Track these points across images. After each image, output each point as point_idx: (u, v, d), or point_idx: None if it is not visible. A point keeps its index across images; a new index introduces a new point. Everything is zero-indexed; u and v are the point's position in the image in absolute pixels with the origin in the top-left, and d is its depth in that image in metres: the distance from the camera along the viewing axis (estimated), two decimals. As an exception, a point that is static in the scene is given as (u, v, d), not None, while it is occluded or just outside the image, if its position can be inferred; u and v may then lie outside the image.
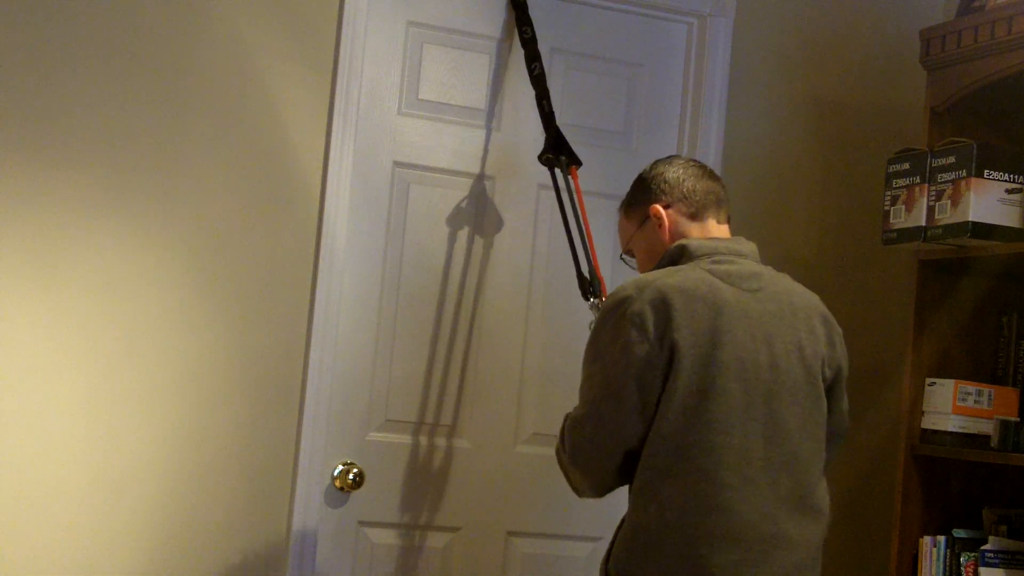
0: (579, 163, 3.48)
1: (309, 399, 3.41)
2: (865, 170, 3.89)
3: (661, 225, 2.80)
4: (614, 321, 2.62)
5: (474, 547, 3.60)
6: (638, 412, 2.59)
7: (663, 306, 2.59)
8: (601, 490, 2.71)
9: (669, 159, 2.91)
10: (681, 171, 2.84)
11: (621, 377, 2.59)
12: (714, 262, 2.71)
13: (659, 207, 2.81)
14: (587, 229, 3.37)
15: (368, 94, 3.53)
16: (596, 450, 2.63)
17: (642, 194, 2.86)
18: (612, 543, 2.65)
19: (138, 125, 3.31)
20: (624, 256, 2.95)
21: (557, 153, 3.46)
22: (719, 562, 2.55)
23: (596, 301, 3.21)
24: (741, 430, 2.59)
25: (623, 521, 2.66)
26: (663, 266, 2.75)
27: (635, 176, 2.92)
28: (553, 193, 3.46)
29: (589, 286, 3.27)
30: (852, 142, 3.95)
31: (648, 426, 2.59)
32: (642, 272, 2.81)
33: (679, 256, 2.75)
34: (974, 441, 3.38)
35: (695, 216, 2.81)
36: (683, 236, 2.79)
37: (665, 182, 2.83)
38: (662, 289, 2.61)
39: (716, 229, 2.81)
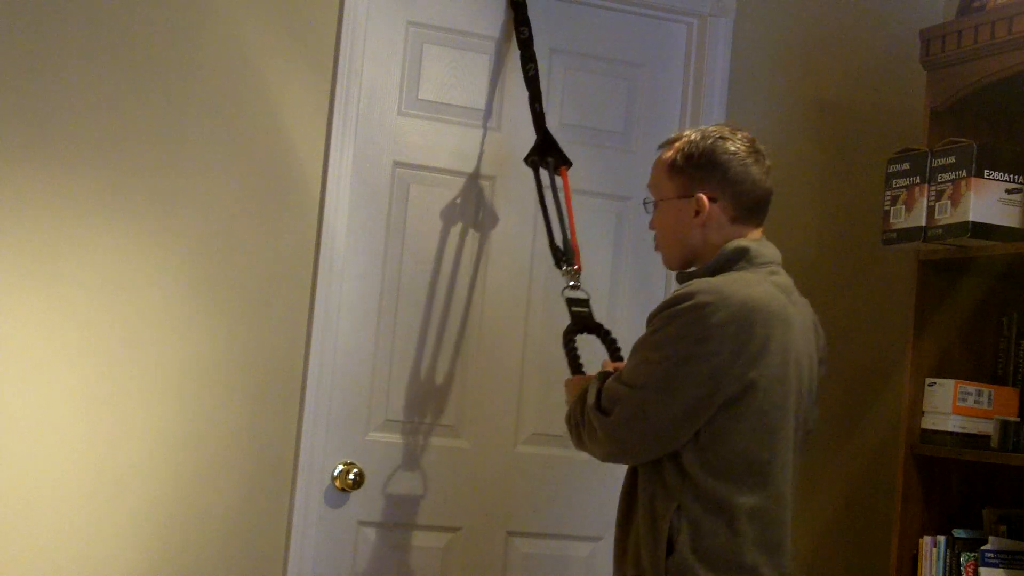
0: (568, 163, 3.47)
1: (309, 399, 3.42)
2: (865, 170, 3.89)
3: (697, 215, 2.68)
4: (690, 321, 2.54)
5: (474, 547, 3.60)
6: (687, 417, 2.56)
7: (750, 324, 2.55)
8: (610, 461, 2.74)
9: (734, 135, 2.71)
10: (744, 168, 2.68)
11: (682, 379, 2.55)
12: (772, 272, 2.68)
13: (706, 199, 2.67)
14: (571, 217, 3.34)
15: (368, 94, 3.53)
16: (629, 432, 2.61)
17: (698, 168, 2.68)
18: (662, 540, 2.57)
19: (138, 125, 3.31)
20: (646, 203, 2.81)
21: (543, 155, 3.44)
22: (769, 571, 2.61)
23: (568, 268, 3.22)
24: (793, 446, 2.67)
25: (653, 517, 2.60)
26: (719, 265, 2.65)
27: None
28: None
29: (562, 255, 3.26)
30: (852, 142, 3.95)
31: (692, 431, 2.57)
32: (664, 244, 2.75)
33: (737, 260, 2.66)
34: (974, 441, 3.38)
35: (736, 220, 2.70)
36: (718, 236, 2.68)
37: (726, 172, 2.66)
38: (745, 304, 2.55)
39: (752, 233, 2.72)
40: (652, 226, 2.80)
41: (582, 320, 3.13)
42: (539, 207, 3.43)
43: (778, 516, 2.63)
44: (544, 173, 3.44)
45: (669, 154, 2.73)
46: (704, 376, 2.54)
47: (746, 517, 2.58)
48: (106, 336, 3.27)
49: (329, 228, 3.44)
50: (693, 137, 2.72)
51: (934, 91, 3.53)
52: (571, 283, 3.21)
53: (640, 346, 2.65)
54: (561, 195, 3.39)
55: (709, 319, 2.53)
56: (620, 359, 2.99)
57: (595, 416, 2.66)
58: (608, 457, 2.72)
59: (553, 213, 3.37)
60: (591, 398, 2.69)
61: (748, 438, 2.58)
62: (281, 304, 3.42)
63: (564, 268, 3.25)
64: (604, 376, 2.73)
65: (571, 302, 3.16)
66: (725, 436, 2.57)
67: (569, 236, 3.32)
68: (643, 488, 2.65)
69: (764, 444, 2.60)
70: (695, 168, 2.69)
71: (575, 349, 3.09)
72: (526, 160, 3.48)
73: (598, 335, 3.12)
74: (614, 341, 3.08)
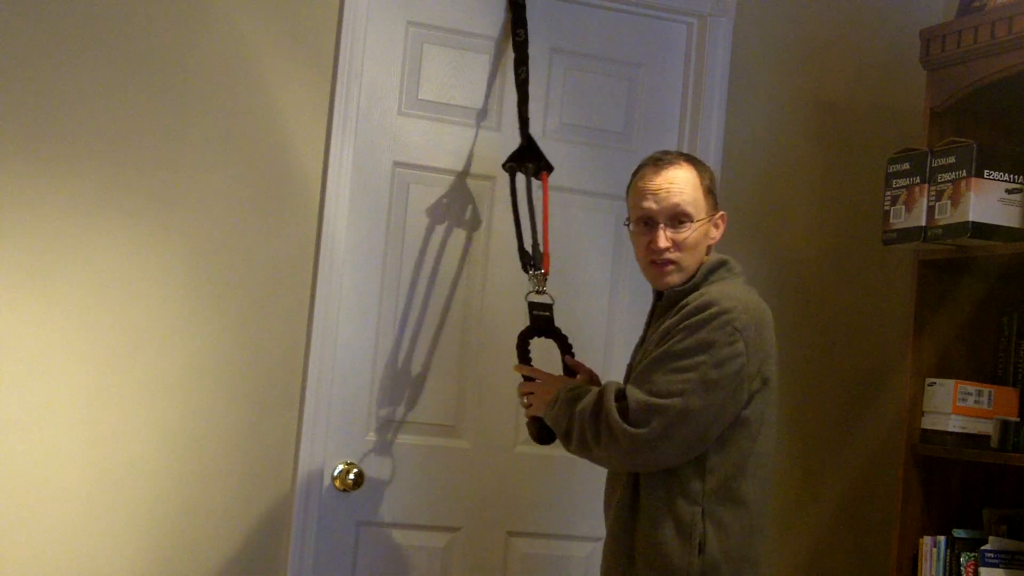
0: (550, 168, 3.46)
1: (309, 399, 3.42)
2: (865, 170, 3.89)
3: (716, 228, 2.89)
4: (718, 326, 2.70)
5: (474, 547, 3.60)
6: (718, 417, 2.70)
7: (762, 326, 2.76)
8: (629, 469, 2.79)
9: None
10: None
11: (719, 381, 2.69)
12: (745, 282, 2.88)
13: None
14: (545, 222, 3.34)
15: (368, 94, 3.53)
16: (669, 442, 2.69)
17: (716, 188, 2.92)
18: (695, 545, 2.70)
19: (138, 125, 3.31)
20: (667, 222, 2.83)
21: (521, 161, 3.45)
22: (763, 561, 2.81)
23: (535, 272, 3.26)
24: None
25: (678, 523, 2.71)
26: (705, 276, 2.82)
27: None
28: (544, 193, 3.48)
29: (530, 259, 3.30)
30: (852, 142, 3.95)
31: (720, 432, 2.72)
32: (690, 261, 2.83)
33: (717, 269, 2.83)
34: (974, 441, 3.38)
35: None
36: (707, 251, 2.87)
37: None
38: (757, 308, 2.77)
39: None
40: (681, 246, 2.83)
41: (541, 324, 3.17)
42: (525, 210, 3.42)
43: (770, 507, 2.82)
44: (521, 178, 3.43)
45: (694, 174, 2.86)
46: (733, 375, 2.69)
47: (759, 510, 2.75)
48: (106, 336, 3.27)
49: (329, 228, 3.44)
50: (697, 158, 2.96)
51: (934, 91, 3.53)
52: (536, 288, 3.23)
53: (663, 358, 2.73)
54: (538, 200, 3.38)
55: (735, 322, 2.70)
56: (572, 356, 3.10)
57: (624, 431, 2.70)
58: (630, 467, 2.79)
59: (526, 218, 3.37)
60: (615, 415, 2.72)
61: (761, 431, 2.76)
62: (281, 304, 3.42)
63: (531, 273, 3.26)
64: (619, 390, 2.78)
65: (532, 306, 3.21)
66: (746, 431, 2.73)
67: (541, 241, 3.32)
68: (657, 497, 2.74)
69: (769, 436, 2.79)
70: (716, 188, 2.91)
71: (528, 352, 3.14)
72: (504, 166, 3.47)
73: (555, 340, 3.15)
74: (570, 347, 3.12)
